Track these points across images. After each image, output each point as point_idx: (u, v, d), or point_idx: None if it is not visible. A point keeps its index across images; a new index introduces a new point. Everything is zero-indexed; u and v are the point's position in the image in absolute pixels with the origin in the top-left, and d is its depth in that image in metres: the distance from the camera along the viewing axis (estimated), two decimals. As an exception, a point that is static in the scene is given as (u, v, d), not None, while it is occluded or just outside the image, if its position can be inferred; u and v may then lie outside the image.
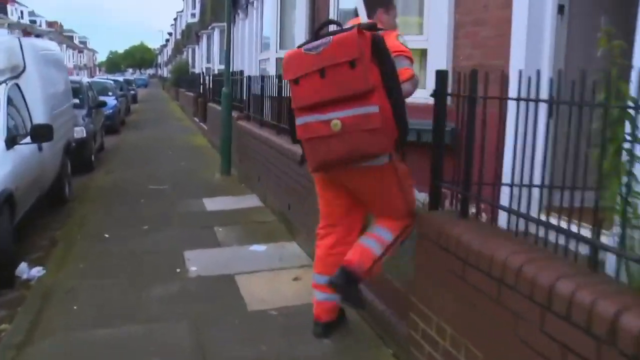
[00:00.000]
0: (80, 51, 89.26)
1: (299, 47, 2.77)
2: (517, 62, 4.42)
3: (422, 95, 5.62)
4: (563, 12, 4.34)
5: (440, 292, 2.62)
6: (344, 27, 2.77)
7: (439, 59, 5.44)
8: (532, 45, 4.35)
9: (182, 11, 45.77)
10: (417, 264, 2.89)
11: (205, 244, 5.13)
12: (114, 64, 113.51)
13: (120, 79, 27.13)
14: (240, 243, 5.17)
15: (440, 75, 2.92)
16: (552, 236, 2.25)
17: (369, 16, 3.12)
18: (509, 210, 2.46)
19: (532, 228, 2.36)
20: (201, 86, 17.56)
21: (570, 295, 1.75)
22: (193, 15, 32.29)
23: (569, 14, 4.36)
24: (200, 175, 8.84)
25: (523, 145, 2.45)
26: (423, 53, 5.69)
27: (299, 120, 2.73)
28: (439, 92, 2.92)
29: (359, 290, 3.07)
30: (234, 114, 8.91)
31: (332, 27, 2.93)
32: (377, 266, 2.97)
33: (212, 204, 6.82)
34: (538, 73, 2.30)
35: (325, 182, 3.09)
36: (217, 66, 20.15)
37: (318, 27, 2.92)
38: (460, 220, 2.67)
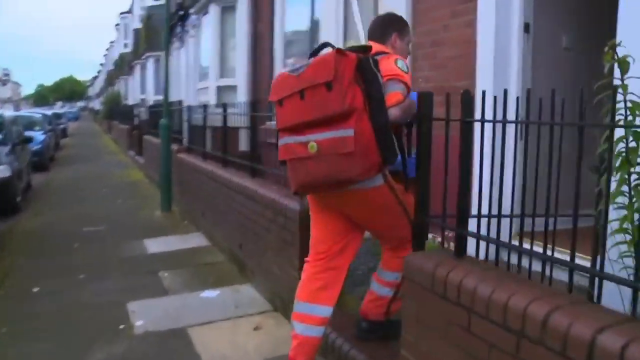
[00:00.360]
0: (4, 84, 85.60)
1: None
2: (483, 82, 4.17)
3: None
4: (529, 30, 4.14)
5: (439, 347, 2.24)
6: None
7: (396, 82, 5.16)
8: (499, 65, 4.12)
9: (114, 41, 44.72)
10: (406, 313, 2.51)
11: (150, 293, 4.59)
12: (42, 97, 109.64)
13: (49, 112, 25.87)
14: (190, 289, 4.66)
15: (424, 98, 2.59)
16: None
17: (383, 39, 2.97)
18: (520, 250, 2.13)
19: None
20: (136, 118, 16.87)
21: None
22: (126, 45, 31.50)
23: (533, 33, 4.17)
24: (139, 213, 8.23)
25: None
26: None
27: (281, 141, 2.72)
28: (424, 116, 2.58)
29: (392, 324, 2.99)
30: (173, 146, 8.38)
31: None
32: (396, 304, 2.97)
33: (155, 245, 6.26)
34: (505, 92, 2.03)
35: (319, 206, 2.94)
36: (152, 97, 19.52)
37: (314, 49, 2.79)
38: (458, 261, 2.31)
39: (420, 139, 2.60)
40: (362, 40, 4.61)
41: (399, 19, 3.13)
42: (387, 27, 3.02)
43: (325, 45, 2.77)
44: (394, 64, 2.74)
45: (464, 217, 2.41)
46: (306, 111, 2.53)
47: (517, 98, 2.29)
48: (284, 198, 3.90)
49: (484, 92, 2.39)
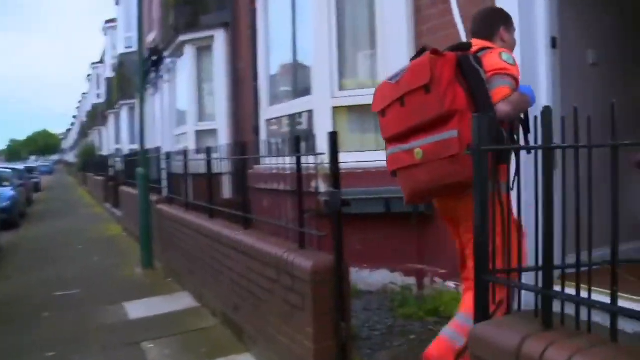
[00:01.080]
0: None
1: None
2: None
3: (380, 158, 4.80)
4: (556, 45, 3.66)
5: None
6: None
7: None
8: (526, 81, 3.62)
9: (87, 93, 44.12)
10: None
11: (133, 373, 3.89)
12: (15, 152, 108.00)
13: (21, 167, 24.98)
14: (180, 364, 3.97)
15: (483, 121, 2.04)
16: None
17: (490, 36, 2.77)
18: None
19: None
20: (111, 168, 16.19)
21: None
22: (99, 95, 30.95)
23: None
24: (118, 271, 7.50)
25: None
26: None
27: (388, 152, 2.77)
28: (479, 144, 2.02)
29: None
30: (152, 197, 7.73)
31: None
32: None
33: (137, 309, 5.54)
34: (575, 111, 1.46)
35: (444, 217, 2.89)
36: (127, 146, 18.89)
37: (415, 54, 2.67)
38: (549, 333, 1.73)
39: (480, 172, 2.04)
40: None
41: (502, 10, 2.95)
42: (492, 21, 2.82)
43: (424, 49, 2.56)
44: (498, 58, 2.55)
45: (549, 272, 1.83)
46: (408, 117, 2.50)
47: (563, 118, 1.79)
48: (289, 254, 3.28)
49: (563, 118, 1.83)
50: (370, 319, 4.11)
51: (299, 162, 3.38)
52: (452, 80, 2.36)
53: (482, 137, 2.01)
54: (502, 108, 2.42)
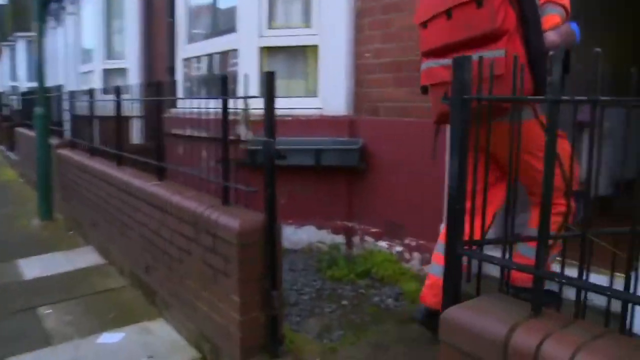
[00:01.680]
0: None
1: None
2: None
3: (313, 104, 4.43)
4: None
5: None
6: None
7: (335, 57, 4.24)
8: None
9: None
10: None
11: (27, 344, 3.37)
12: None
13: None
14: (83, 332, 3.49)
15: (465, 64, 1.69)
16: None
17: None
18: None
19: None
20: (6, 108, 14.80)
21: None
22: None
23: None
24: (12, 223, 6.75)
25: None
26: (312, 51, 4.44)
27: (423, 66, 2.65)
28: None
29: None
30: (53, 140, 6.97)
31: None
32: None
33: (33, 266, 4.92)
34: None
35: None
36: (25, 84, 17.35)
37: None
38: (540, 321, 1.45)
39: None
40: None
41: None
42: None
43: None
44: None
45: (541, 251, 1.55)
46: (453, 32, 2.38)
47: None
48: (211, 211, 2.87)
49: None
50: (297, 280, 3.79)
51: (225, 106, 2.93)
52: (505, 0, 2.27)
53: (465, 84, 1.66)
54: (552, 37, 2.35)
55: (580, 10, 3.99)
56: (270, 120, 2.59)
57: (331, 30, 4.22)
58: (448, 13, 2.37)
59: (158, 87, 3.83)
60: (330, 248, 4.13)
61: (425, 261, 3.69)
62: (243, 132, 3.87)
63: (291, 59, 4.56)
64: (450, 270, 1.77)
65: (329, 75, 4.29)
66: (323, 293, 3.57)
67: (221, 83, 2.94)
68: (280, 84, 4.59)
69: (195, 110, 3.38)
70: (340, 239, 4.31)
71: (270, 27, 4.42)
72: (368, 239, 4.17)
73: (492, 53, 2.22)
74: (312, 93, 4.41)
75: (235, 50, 4.57)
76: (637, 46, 4.89)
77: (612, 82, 1.65)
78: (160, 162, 3.79)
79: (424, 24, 2.55)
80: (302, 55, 4.47)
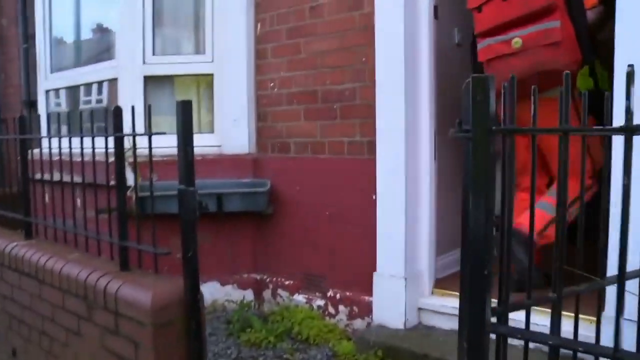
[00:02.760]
0: None
1: None
2: (388, 82, 3.02)
3: (209, 142, 3.88)
4: (437, 15, 3.10)
5: None
6: None
7: (234, 88, 3.75)
8: (410, 59, 3.00)
9: None
10: None
11: None
12: None
13: None
14: None
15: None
16: None
17: None
18: None
19: None
20: None
21: None
22: None
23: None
24: None
25: None
26: (206, 81, 3.91)
27: (481, 45, 2.86)
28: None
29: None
30: None
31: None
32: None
33: None
34: None
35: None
36: None
37: None
38: None
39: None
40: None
41: None
42: None
43: None
44: None
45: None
46: (510, 10, 2.67)
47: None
48: (108, 279, 2.22)
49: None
50: (208, 349, 3.16)
51: (120, 144, 2.33)
52: None
53: (483, 115, 1.26)
54: (590, 15, 2.70)
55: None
56: (187, 163, 2.03)
57: (228, 57, 3.72)
58: None
59: (21, 122, 3.08)
60: (240, 307, 3.55)
61: (354, 315, 3.26)
62: (130, 175, 3.22)
63: (181, 91, 3.98)
64: (476, 351, 1.33)
65: (227, 108, 3.77)
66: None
67: (114, 116, 2.33)
68: (168, 120, 4.01)
69: (68, 150, 2.71)
70: (249, 294, 3.75)
71: (155, 53, 3.82)
72: (282, 293, 3.65)
73: (547, 25, 2.57)
74: (208, 129, 3.85)
75: (114, 80, 3.89)
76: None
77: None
78: (27, 216, 3.03)
79: (479, 8, 2.82)
80: (195, 86, 3.92)
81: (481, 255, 1.29)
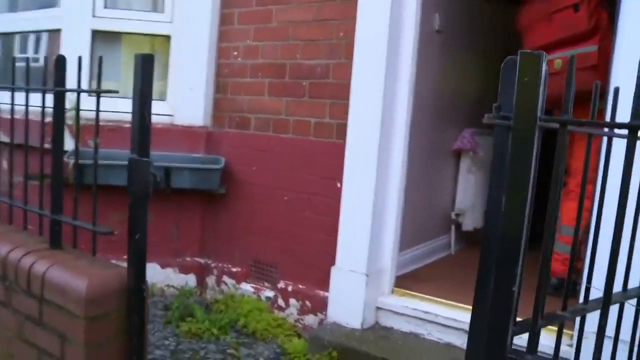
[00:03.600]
0: None
1: None
2: (368, 62, 2.77)
3: (161, 110, 3.52)
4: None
5: None
6: None
7: (193, 54, 3.42)
8: (394, 37, 2.77)
9: None
10: None
11: None
12: None
13: None
14: None
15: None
16: None
17: None
18: None
19: None
20: None
21: None
22: None
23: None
24: None
25: None
26: (163, 43, 3.56)
27: None
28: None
29: None
30: None
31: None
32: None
33: None
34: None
35: None
36: None
37: None
38: None
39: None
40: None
41: None
42: None
43: None
44: None
45: None
46: (553, 31, 2.88)
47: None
48: (34, 258, 1.89)
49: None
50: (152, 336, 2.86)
51: (60, 101, 1.99)
52: (598, 4, 2.75)
53: (530, 100, 1.02)
54: None
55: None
56: (143, 129, 1.73)
57: (189, 19, 3.37)
58: (549, 17, 2.89)
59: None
60: (181, 293, 3.24)
61: (306, 310, 3.02)
62: (69, 140, 2.84)
63: (132, 52, 3.59)
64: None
65: (183, 74, 3.42)
66: (182, 357, 2.70)
67: (56, 67, 1.99)
68: (113, 86, 3.62)
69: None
70: (191, 279, 3.44)
71: (106, 6, 3.42)
72: (227, 280, 3.37)
73: (585, 49, 2.73)
74: (160, 95, 3.49)
75: (57, 30, 3.46)
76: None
77: None
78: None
79: (528, 27, 3.06)
80: (149, 47, 3.54)
81: (511, 266, 1.07)
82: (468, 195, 3.98)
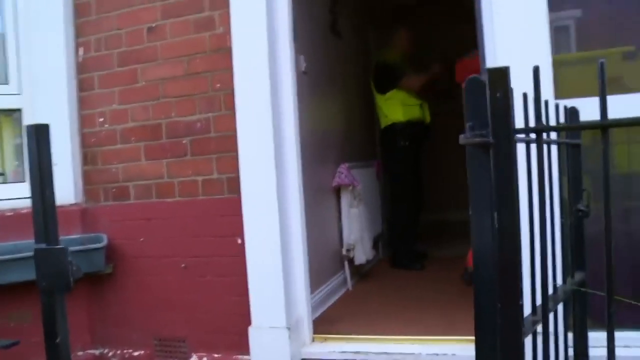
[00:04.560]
0: None
1: None
2: (253, 107, 2.70)
3: (19, 193, 3.15)
4: (297, 38, 2.88)
5: None
6: None
7: (51, 125, 3.08)
8: (275, 80, 2.73)
9: None
10: None
11: None
12: None
13: None
14: None
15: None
16: None
17: None
18: None
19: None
20: None
21: None
22: None
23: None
24: None
25: None
26: (10, 119, 3.23)
27: None
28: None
29: None
30: None
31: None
32: None
33: None
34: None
35: None
36: None
37: None
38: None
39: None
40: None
41: None
42: None
43: None
44: None
45: None
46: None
47: None
48: None
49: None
50: None
51: None
52: None
53: (505, 114, 1.03)
54: None
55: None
56: (48, 212, 1.50)
57: (41, 89, 3.07)
58: None
59: None
60: (81, 393, 2.87)
61: (227, 379, 2.82)
62: None
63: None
64: None
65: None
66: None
67: None
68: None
69: None
70: (89, 375, 3.07)
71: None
72: (132, 365, 3.05)
73: None
74: (17, 178, 3.13)
75: None
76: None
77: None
78: None
79: None
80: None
81: (514, 281, 1.05)
82: (354, 229, 4.02)
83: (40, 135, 1.48)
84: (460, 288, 3.62)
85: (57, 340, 1.46)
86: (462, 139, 1.07)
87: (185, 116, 2.88)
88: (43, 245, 1.45)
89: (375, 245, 4.47)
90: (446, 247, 5.05)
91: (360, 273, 4.33)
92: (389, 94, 4.49)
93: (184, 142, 2.89)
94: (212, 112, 2.82)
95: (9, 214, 2.99)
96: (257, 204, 2.69)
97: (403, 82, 4.44)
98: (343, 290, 3.95)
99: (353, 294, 3.91)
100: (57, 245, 1.47)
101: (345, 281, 4.04)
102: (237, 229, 2.76)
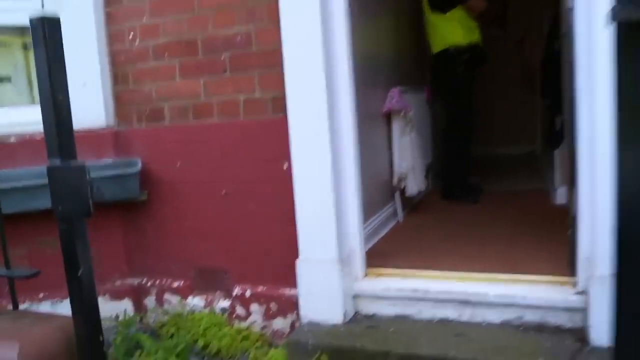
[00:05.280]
0: None
1: None
2: (301, 17, 2.38)
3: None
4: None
5: None
6: None
7: (78, 42, 2.86)
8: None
9: None
10: None
11: None
12: None
13: None
14: None
15: None
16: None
17: None
18: None
19: None
20: None
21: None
22: None
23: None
24: None
25: None
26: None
27: None
28: None
29: None
30: None
31: None
32: None
33: None
34: None
35: None
36: None
37: None
38: None
39: None
40: None
41: None
42: None
43: None
44: None
45: None
46: None
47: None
48: None
49: None
50: None
51: None
52: None
53: None
54: None
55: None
56: (61, 123, 1.27)
57: (65, 3, 2.81)
58: None
59: None
60: (121, 324, 2.73)
61: (272, 314, 2.63)
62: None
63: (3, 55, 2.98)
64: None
65: (70, 69, 2.79)
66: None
67: None
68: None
69: None
70: (127, 306, 2.93)
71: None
72: (170, 297, 2.89)
73: None
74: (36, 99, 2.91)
75: None
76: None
77: None
78: None
79: None
80: (21, 41, 2.93)
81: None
82: (406, 158, 3.73)
83: (51, 28, 1.21)
84: (520, 225, 3.32)
85: (80, 273, 1.24)
86: (612, 15, 0.75)
87: (224, 29, 2.58)
88: (57, 162, 1.21)
89: (426, 176, 4.18)
90: (496, 182, 4.73)
91: (411, 205, 4.06)
92: (449, 14, 4.07)
93: (222, 57, 2.61)
94: (253, 22, 2.51)
95: (38, 137, 2.79)
96: (306, 125, 2.41)
97: (472, 1, 4.03)
98: (393, 223, 3.71)
99: (404, 227, 3.66)
100: (74, 160, 1.23)
101: (395, 213, 3.78)
102: (284, 152, 2.50)
